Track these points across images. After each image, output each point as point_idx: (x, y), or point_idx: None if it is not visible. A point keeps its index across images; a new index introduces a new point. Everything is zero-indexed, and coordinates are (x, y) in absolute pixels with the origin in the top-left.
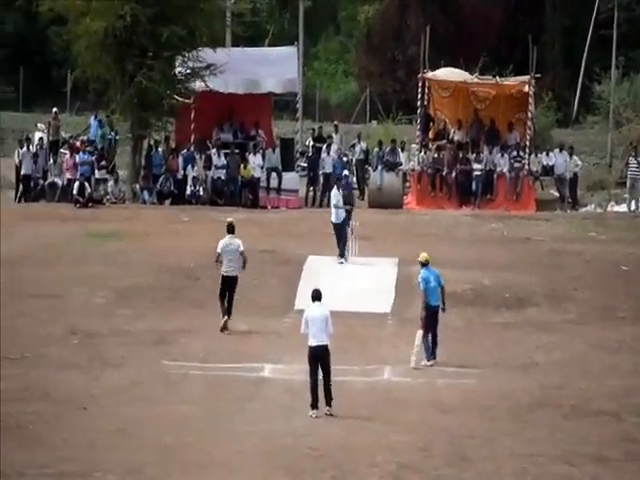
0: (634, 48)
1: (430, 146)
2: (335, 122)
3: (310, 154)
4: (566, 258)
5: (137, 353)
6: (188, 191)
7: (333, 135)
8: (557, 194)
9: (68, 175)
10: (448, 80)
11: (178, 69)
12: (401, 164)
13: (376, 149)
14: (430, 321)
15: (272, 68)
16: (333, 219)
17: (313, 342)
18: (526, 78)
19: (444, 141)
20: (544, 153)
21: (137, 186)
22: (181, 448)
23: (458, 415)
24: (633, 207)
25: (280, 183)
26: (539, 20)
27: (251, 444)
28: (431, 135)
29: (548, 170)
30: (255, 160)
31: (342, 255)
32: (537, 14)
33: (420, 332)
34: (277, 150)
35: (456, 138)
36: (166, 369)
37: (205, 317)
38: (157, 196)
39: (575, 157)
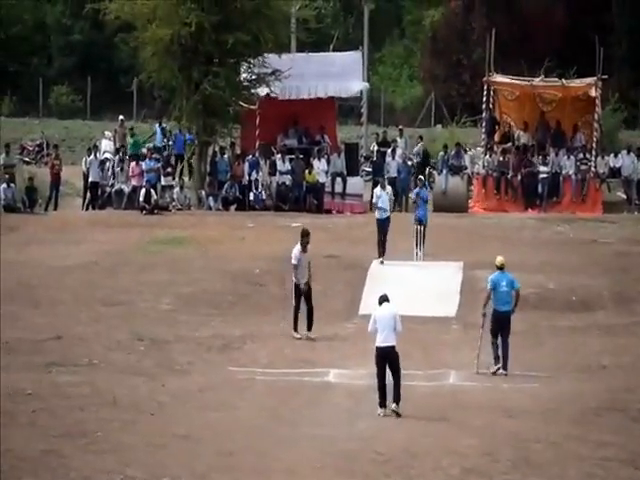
0: None
1: (495, 149)
2: (400, 126)
3: (375, 159)
4: (633, 260)
5: (203, 359)
6: (252, 197)
7: (398, 139)
8: (624, 196)
9: (134, 182)
10: (514, 83)
11: (243, 75)
12: (466, 167)
13: (441, 153)
14: (498, 327)
15: (337, 73)
16: (377, 215)
17: (381, 342)
18: (592, 80)
19: (509, 144)
20: (611, 155)
21: (203, 192)
22: (247, 453)
23: (524, 419)
24: None
25: (345, 188)
26: (605, 20)
27: (316, 449)
28: (497, 138)
29: (615, 172)
30: (320, 165)
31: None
32: (603, 14)
33: (480, 334)
34: (342, 155)
35: (522, 141)
36: (232, 375)
37: (270, 323)
38: (222, 202)
39: None
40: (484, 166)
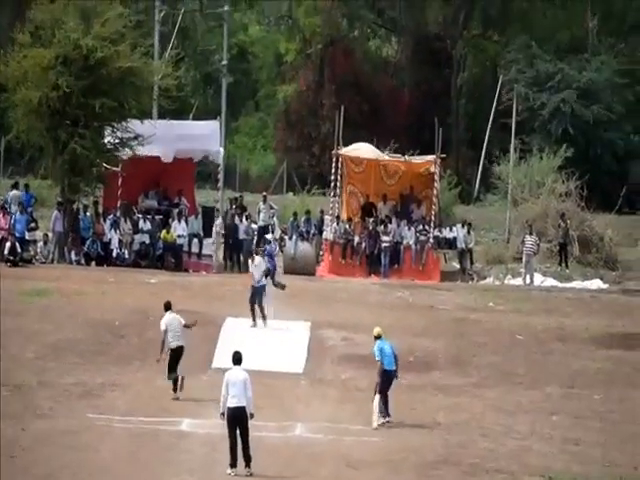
0: (529, 134)
1: (342, 217)
2: (264, 193)
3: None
4: (467, 326)
5: (65, 405)
6: (114, 254)
7: (261, 204)
8: (459, 266)
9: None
10: (361, 157)
11: (107, 139)
12: (315, 234)
13: (291, 219)
14: (386, 384)
15: (196, 140)
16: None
17: (232, 403)
18: (432, 157)
19: (372, 219)
20: (447, 228)
21: (66, 247)
22: None
23: (366, 470)
24: (528, 281)
25: (201, 248)
26: (445, 104)
27: None
28: (354, 209)
29: (451, 243)
30: (178, 226)
31: (254, 320)
32: (444, 99)
33: (377, 397)
34: (199, 217)
35: (384, 213)
36: (92, 421)
37: (130, 372)
38: (84, 258)
39: (472, 232)
40: (332, 233)
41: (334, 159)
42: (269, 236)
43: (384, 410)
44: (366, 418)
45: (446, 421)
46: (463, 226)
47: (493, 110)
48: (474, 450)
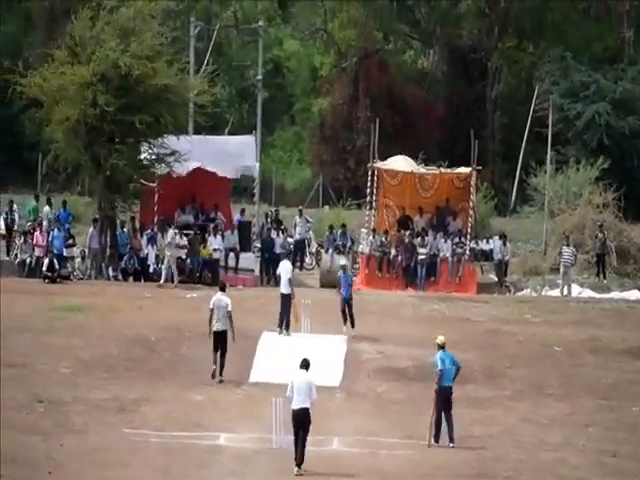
0: (565, 145)
1: (377, 230)
2: (300, 207)
3: (264, 236)
4: (502, 338)
5: (99, 421)
6: (151, 269)
7: (297, 218)
8: (495, 278)
9: (37, 253)
10: (396, 170)
11: (144, 155)
12: (351, 247)
13: (327, 233)
14: (442, 403)
15: (232, 155)
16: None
17: (296, 405)
18: (468, 169)
19: (408, 231)
20: (484, 240)
21: (103, 264)
22: None
23: None
24: (565, 292)
25: (237, 262)
26: (480, 117)
27: None
28: (390, 223)
29: (487, 256)
30: (215, 241)
31: (281, 327)
32: (478, 112)
33: (434, 415)
34: (235, 232)
35: (420, 225)
36: (126, 436)
37: (163, 387)
38: (122, 273)
39: (508, 244)
40: (368, 246)
41: (369, 172)
42: (343, 262)
43: (435, 432)
44: (401, 431)
45: (480, 434)
46: (499, 238)
47: (529, 122)
48: (508, 463)
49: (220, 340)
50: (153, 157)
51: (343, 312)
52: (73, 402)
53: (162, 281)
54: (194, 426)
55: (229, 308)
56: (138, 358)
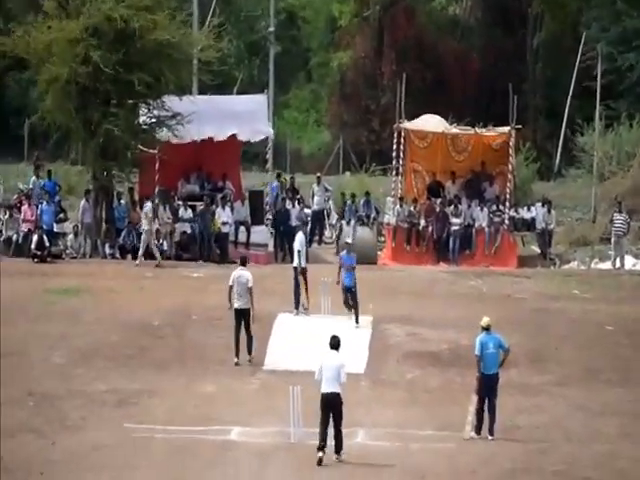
0: (616, 99)
1: (405, 199)
2: (318, 174)
3: (278, 207)
4: (548, 317)
5: (97, 415)
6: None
7: (315, 186)
8: (538, 250)
9: (24, 227)
10: (425, 130)
11: (142, 118)
12: (375, 217)
13: (349, 202)
14: (485, 390)
15: (241, 117)
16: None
17: (325, 389)
18: (507, 129)
19: (439, 199)
20: (525, 207)
21: (98, 240)
22: None
23: None
24: (618, 264)
25: (249, 237)
26: (520, 70)
27: None
28: (419, 190)
29: (529, 225)
30: (223, 213)
31: (297, 307)
32: (518, 64)
33: (474, 404)
34: (246, 203)
35: (452, 192)
36: (129, 432)
37: (169, 377)
38: (119, 250)
39: (552, 212)
40: (394, 216)
41: (395, 134)
42: (348, 239)
43: (477, 423)
44: (439, 421)
45: (525, 424)
46: (543, 205)
47: (575, 74)
48: (557, 456)
49: (243, 317)
50: (153, 120)
51: (346, 303)
52: (68, 395)
53: (157, 261)
54: (204, 420)
55: (250, 284)
56: (140, 345)
